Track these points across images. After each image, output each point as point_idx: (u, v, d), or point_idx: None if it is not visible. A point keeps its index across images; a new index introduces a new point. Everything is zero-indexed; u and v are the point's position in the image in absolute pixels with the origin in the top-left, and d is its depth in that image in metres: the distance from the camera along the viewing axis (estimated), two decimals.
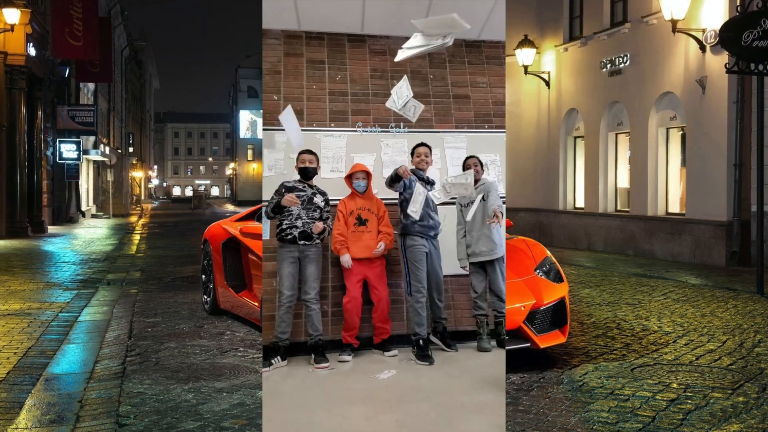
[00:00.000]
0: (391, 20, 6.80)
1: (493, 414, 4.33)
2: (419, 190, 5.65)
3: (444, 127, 6.73)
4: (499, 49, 7.21)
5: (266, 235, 6.03)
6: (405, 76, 5.80)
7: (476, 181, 5.92)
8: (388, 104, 5.82)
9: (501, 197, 5.98)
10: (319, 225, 5.60)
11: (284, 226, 5.62)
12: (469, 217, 5.79)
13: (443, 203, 6.08)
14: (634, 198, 14.84)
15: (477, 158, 6.00)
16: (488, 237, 5.76)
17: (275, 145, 6.31)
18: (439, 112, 6.75)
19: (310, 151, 5.79)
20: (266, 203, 5.86)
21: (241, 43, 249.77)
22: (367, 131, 6.55)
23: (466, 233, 5.89)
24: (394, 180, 5.78)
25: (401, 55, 4.95)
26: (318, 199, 5.72)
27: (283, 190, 5.65)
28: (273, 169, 6.25)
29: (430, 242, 5.84)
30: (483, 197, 5.84)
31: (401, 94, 5.69)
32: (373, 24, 6.89)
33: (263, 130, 6.40)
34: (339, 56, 6.87)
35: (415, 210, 5.66)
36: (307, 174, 5.74)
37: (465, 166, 6.00)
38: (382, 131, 6.55)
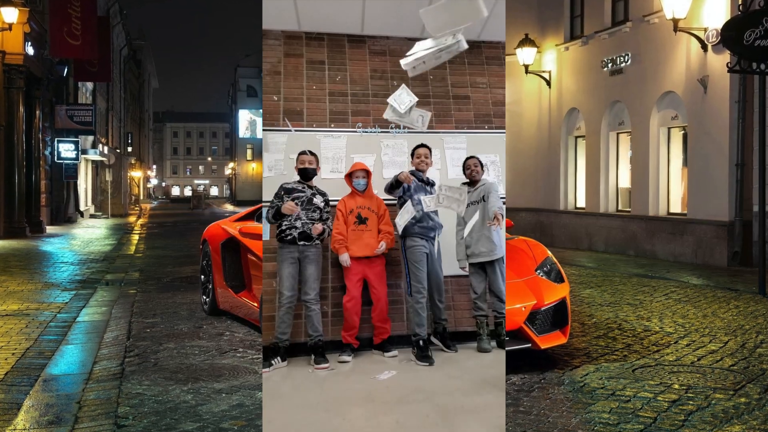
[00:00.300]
0: (391, 21, 6.80)
1: (493, 415, 4.31)
2: (408, 208, 5.63)
3: (444, 128, 6.72)
4: (498, 50, 7.21)
5: (266, 236, 6.02)
6: (403, 84, 5.58)
7: (476, 182, 5.90)
8: (387, 116, 5.50)
9: (501, 198, 5.96)
10: (318, 227, 5.58)
11: (284, 227, 5.62)
12: (467, 232, 5.79)
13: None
14: (635, 198, 14.80)
15: (477, 159, 5.97)
16: (488, 238, 5.73)
17: (275, 146, 6.30)
18: (439, 113, 6.75)
19: (309, 152, 5.77)
20: (267, 203, 5.85)
21: (240, 42, 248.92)
22: (367, 132, 6.54)
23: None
24: (393, 186, 5.77)
25: (410, 64, 4.53)
26: (318, 200, 5.70)
27: (282, 193, 5.64)
28: (273, 170, 6.26)
29: (430, 243, 5.82)
30: (483, 198, 5.82)
31: (402, 101, 5.40)
32: (373, 24, 6.89)
33: (263, 130, 6.39)
34: (339, 57, 6.87)
35: (400, 223, 5.64)
36: (306, 175, 5.73)
37: (465, 167, 5.98)
38: (382, 132, 6.54)
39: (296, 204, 5.55)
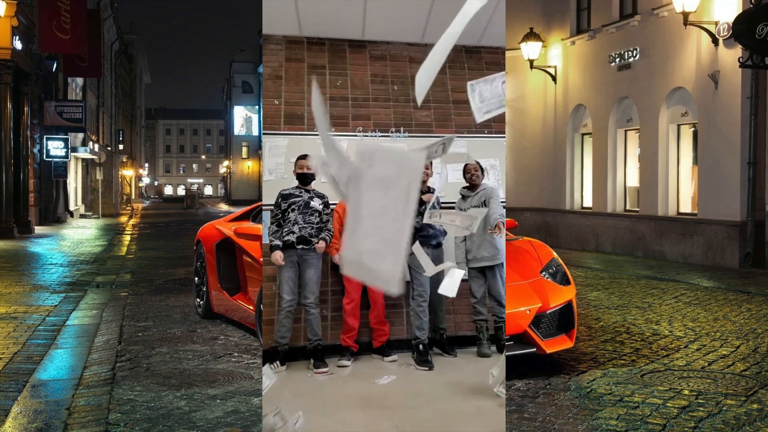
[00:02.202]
0: (392, 26, 7.00)
1: (493, 420, 4.30)
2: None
3: (444, 132, 6.86)
4: (498, 55, 7.35)
5: (266, 239, 6.02)
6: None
7: (476, 186, 5.91)
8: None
9: (501, 202, 5.90)
10: (321, 246, 5.65)
11: (283, 232, 5.67)
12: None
13: (444, 207, 6.01)
14: (643, 197, 14.64)
15: (477, 163, 5.97)
16: (490, 242, 5.71)
17: (276, 149, 6.40)
18: (439, 117, 6.92)
19: (308, 157, 5.78)
20: (266, 206, 5.93)
21: (235, 37, 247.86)
22: (367, 136, 6.62)
23: (467, 238, 5.84)
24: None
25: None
26: (315, 203, 5.74)
27: (280, 200, 5.72)
28: (273, 173, 6.44)
29: (431, 250, 5.77)
30: (484, 203, 5.79)
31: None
32: (373, 30, 6.98)
33: (263, 134, 6.47)
34: (340, 61, 7.08)
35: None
36: (305, 180, 5.79)
37: (465, 171, 5.97)
38: (382, 136, 6.63)
39: (293, 209, 5.64)
